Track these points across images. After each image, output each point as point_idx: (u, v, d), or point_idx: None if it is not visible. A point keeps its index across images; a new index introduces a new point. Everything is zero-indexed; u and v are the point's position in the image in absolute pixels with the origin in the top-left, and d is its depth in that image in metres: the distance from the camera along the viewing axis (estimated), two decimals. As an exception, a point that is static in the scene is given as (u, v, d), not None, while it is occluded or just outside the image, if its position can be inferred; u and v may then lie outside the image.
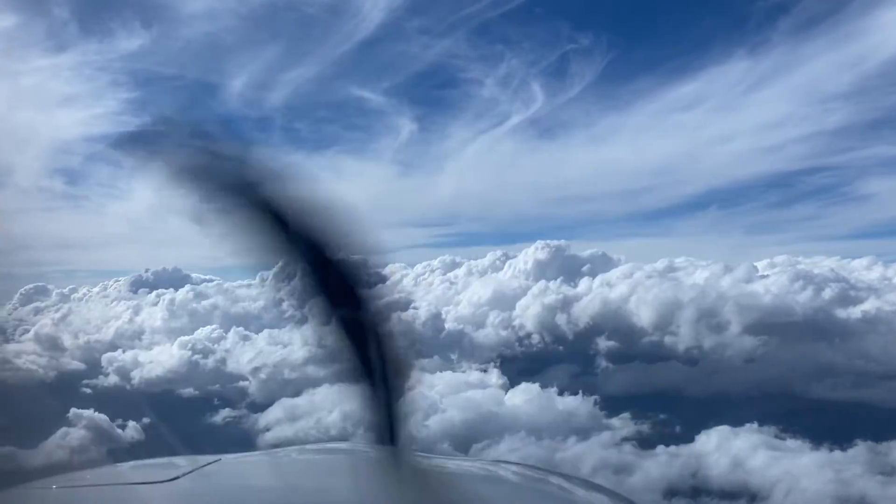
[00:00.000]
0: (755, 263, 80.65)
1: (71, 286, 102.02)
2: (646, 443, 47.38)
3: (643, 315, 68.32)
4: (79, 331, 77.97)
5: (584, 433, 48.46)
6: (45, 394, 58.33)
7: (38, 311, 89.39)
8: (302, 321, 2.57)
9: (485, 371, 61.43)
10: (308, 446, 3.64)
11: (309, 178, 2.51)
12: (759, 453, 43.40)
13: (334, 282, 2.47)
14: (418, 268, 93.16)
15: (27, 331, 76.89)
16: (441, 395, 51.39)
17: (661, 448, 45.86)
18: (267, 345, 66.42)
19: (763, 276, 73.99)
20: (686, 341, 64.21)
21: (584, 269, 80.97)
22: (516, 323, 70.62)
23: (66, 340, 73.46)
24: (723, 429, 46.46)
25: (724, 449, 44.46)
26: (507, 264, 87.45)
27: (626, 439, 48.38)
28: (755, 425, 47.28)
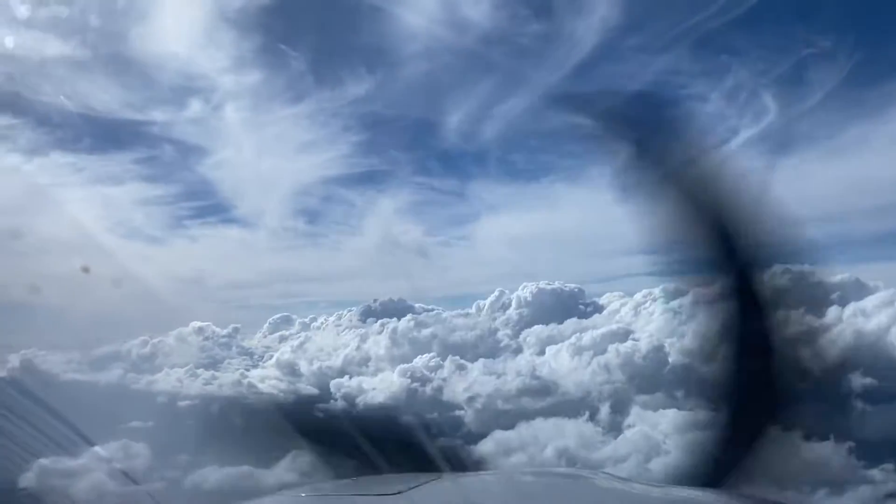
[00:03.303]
0: None
1: (311, 316, 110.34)
2: (918, 501, 40.56)
3: (908, 349, 59.69)
4: (314, 357, 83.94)
5: (836, 486, 42.36)
6: (282, 417, 63.02)
7: (282, 339, 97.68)
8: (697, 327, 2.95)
9: (714, 410, 56.75)
10: (529, 469, 2.89)
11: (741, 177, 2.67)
12: None
13: (752, 296, 2.47)
14: (638, 296, 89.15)
15: (272, 357, 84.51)
16: (665, 436, 47.30)
17: (938, 509, 39.18)
18: (481, 374, 66.96)
19: None
20: (965, 380, 54.92)
21: (833, 296, 72.50)
22: (750, 357, 64.72)
23: (303, 366, 79.42)
24: None
25: None
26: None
27: (891, 496, 41.83)
28: None
